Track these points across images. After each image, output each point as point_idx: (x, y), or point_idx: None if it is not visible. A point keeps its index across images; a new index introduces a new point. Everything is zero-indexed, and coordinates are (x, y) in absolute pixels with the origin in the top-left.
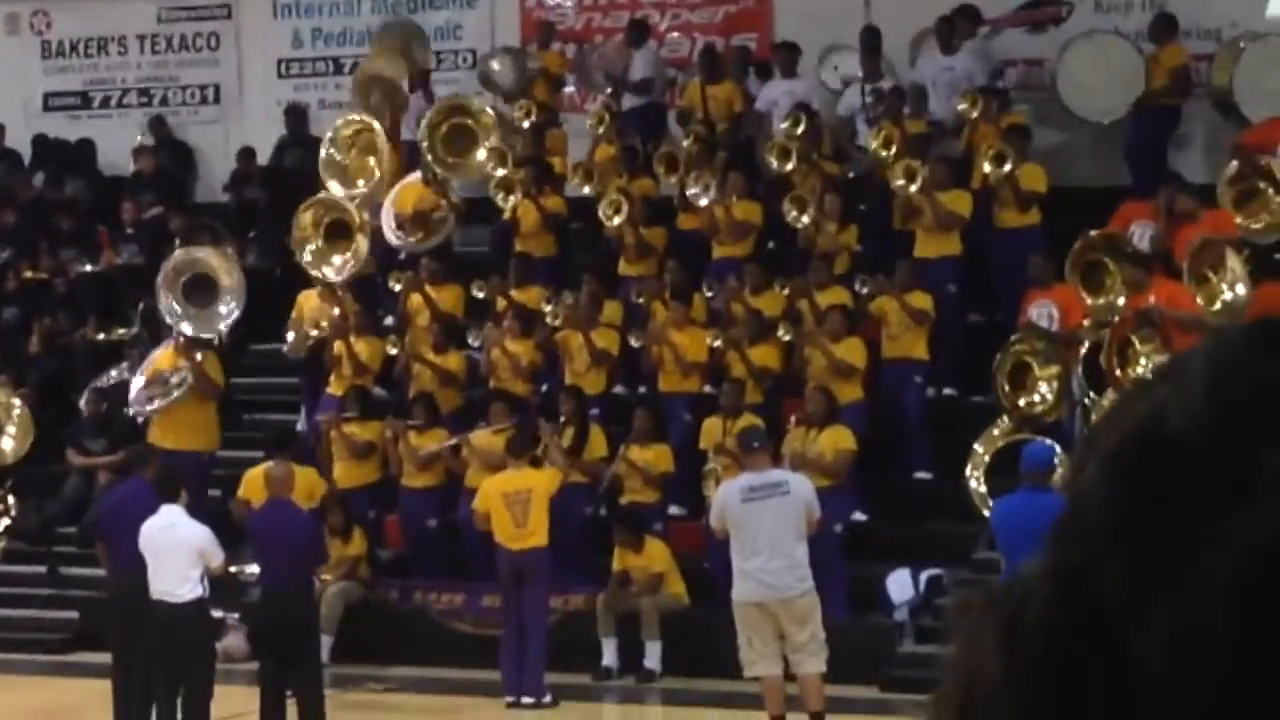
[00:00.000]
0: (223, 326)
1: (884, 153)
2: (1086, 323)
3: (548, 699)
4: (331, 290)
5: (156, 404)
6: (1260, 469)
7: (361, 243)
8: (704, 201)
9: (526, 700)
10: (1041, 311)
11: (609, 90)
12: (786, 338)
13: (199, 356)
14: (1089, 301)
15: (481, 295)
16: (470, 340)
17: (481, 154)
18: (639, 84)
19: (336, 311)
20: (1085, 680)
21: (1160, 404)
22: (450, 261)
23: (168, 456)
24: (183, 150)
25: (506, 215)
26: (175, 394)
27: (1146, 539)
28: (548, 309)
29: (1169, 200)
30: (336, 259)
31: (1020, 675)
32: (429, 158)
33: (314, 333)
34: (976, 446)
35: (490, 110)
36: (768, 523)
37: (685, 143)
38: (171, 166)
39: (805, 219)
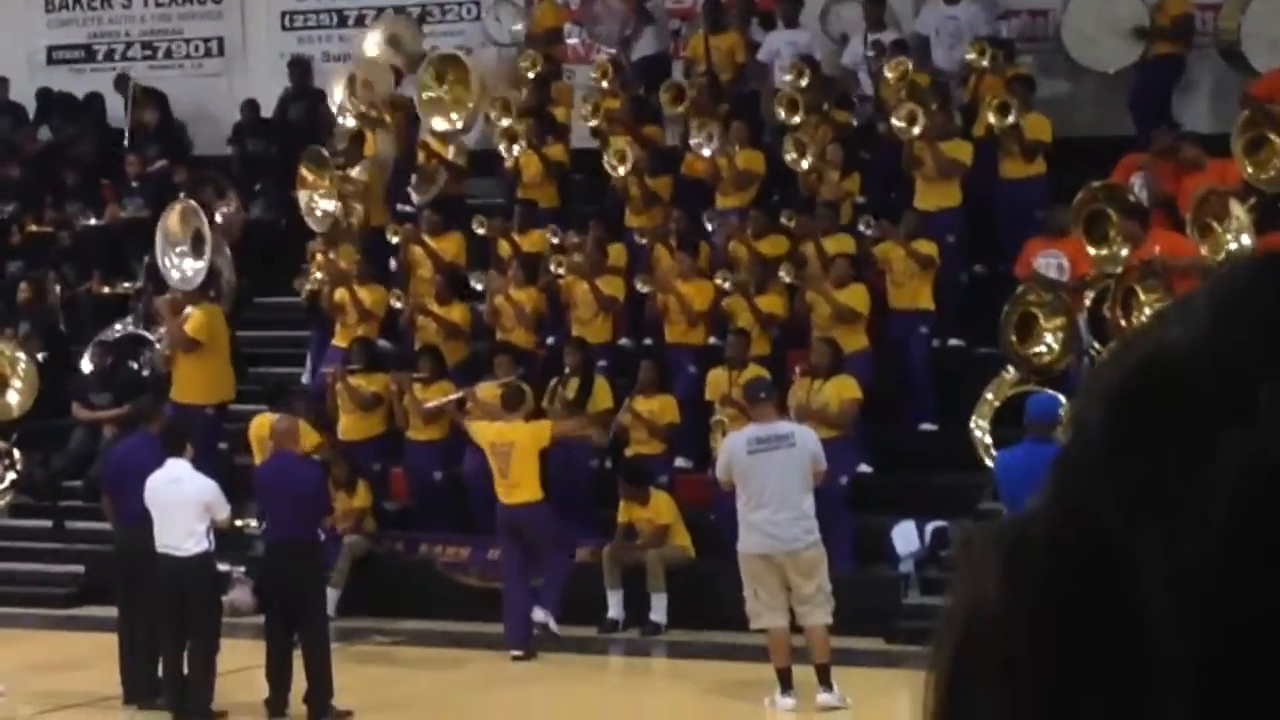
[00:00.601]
0: (189, 280)
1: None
2: (1092, 273)
3: (553, 624)
4: (331, 239)
5: (154, 361)
6: (1260, 401)
7: (334, 194)
8: (707, 151)
9: (538, 615)
10: (1050, 262)
11: (620, 39)
12: (788, 279)
13: (186, 311)
14: (1092, 252)
15: (483, 232)
16: (473, 283)
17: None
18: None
19: (333, 260)
20: (1086, 607)
21: (1163, 338)
22: (456, 214)
23: (181, 410)
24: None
25: (509, 165)
26: (157, 349)
27: (1146, 466)
28: (553, 257)
29: (1169, 148)
30: (328, 205)
31: (1021, 606)
32: (423, 108)
33: (318, 275)
34: (986, 395)
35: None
36: (774, 474)
37: (690, 91)
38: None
39: (805, 163)
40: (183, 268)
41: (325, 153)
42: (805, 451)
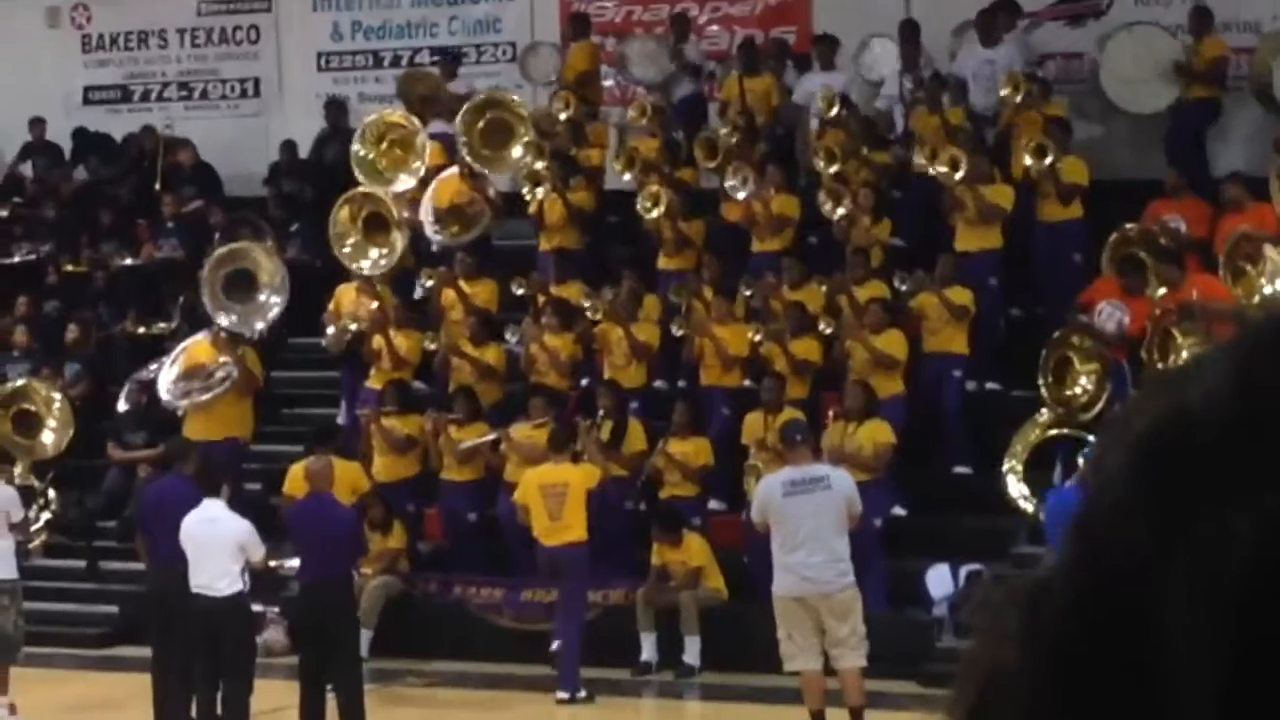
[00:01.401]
0: (264, 321)
1: (927, 158)
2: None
3: (582, 694)
4: (369, 283)
5: (196, 398)
6: None
7: (398, 237)
8: (742, 195)
9: (560, 695)
10: (1113, 313)
11: (651, 84)
12: (828, 330)
13: (240, 351)
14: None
15: (521, 292)
16: (508, 337)
17: (518, 149)
18: (692, 70)
19: (375, 305)
20: (1106, 663)
21: (1185, 392)
22: (487, 256)
23: (204, 448)
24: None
25: (532, 209)
26: (218, 389)
27: (1167, 527)
28: (587, 304)
29: (1178, 188)
30: (373, 252)
31: (1040, 660)
32: (465, 152)
33: (353, 326)
34: (1020, 439)
35: (524, 104)
36: (809, 517)
37: (723, 132)
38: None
39: (841, 210)
40: (234, 312)
41: (376, 191)
42: (841, 494)
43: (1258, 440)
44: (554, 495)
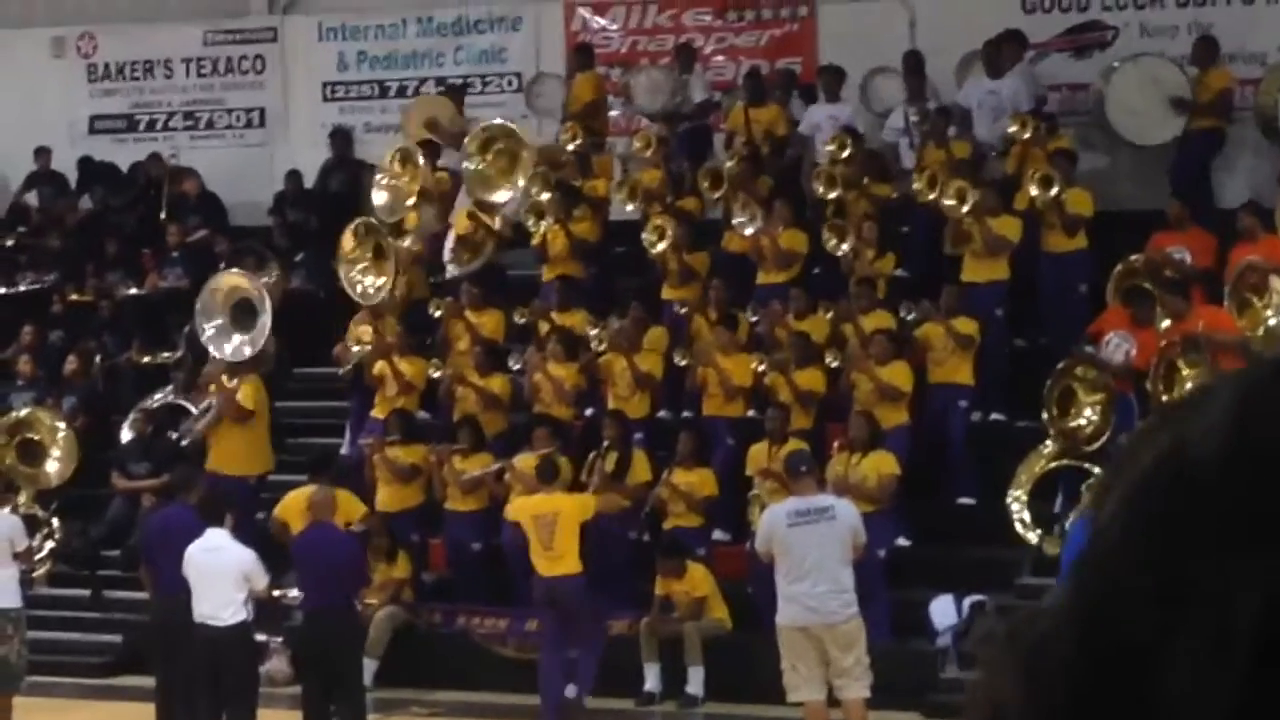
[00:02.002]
0: (246, 352)
1: (925, 186)
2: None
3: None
4: (375, 312)
5: (195, 432)
6: None
7: (388, 267)
8: (749, 231)
9: (569, 691)
10: (1120, 344)
11: (656, 114)
12: (834, 364)
13: (233, 382)
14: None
15: (524, 321)
16: (511, 364)
17: (522, 180)
18: (698, 107)
19: (375, 333)
20: (1107, 707)
21: (1184, 434)
22: (494, 286)
23: (218, 481)
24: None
25: (535, 240)
26: (203, 421)
27: (1171, 573)
28: (592, 333)
29: (1180, 219)
30: (370, 280)
31: (1040, 706)
32: (469, 181)
33: (355, 348)
34: (1024, 470)
35: (528, 136)
36: (813, 547)
37: (729, 164)
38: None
39: (845, 246)
40: (228, 341)
41: (376, 223)
42: (845, 525)
43: (1259, 483)
44: (544, 525)
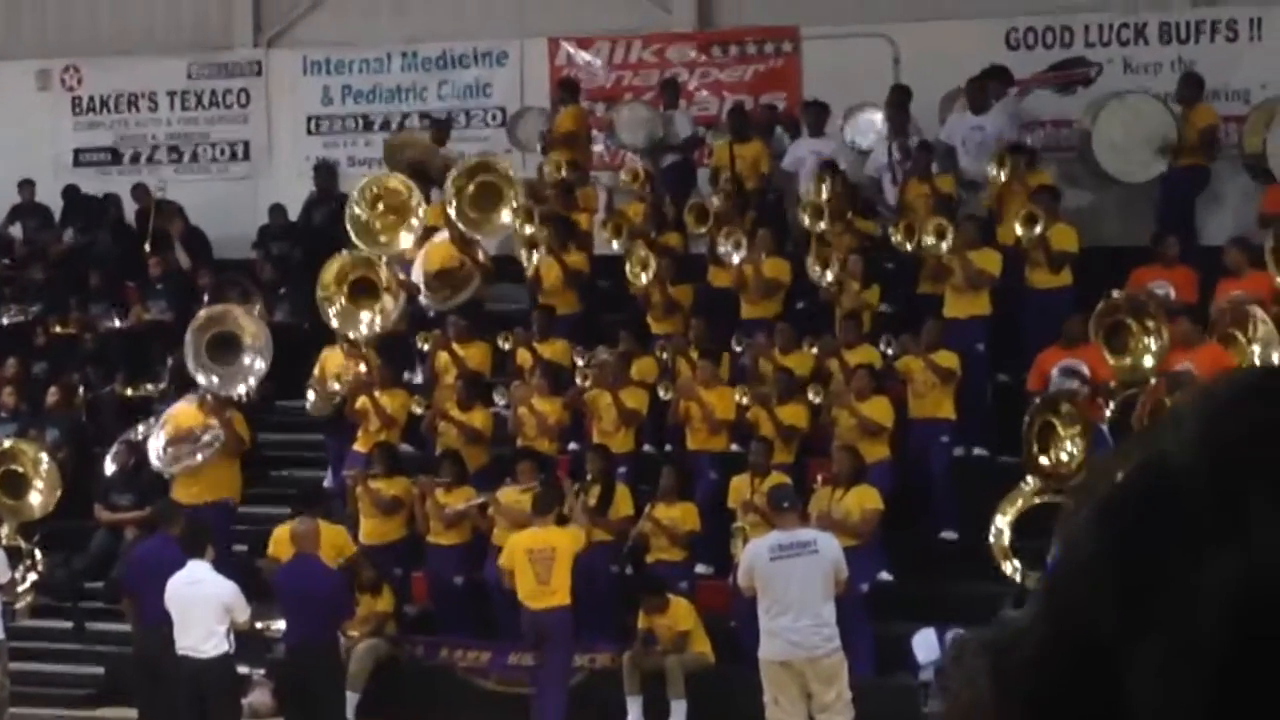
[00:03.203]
0: (248, 383)
1: (904, 237)
2: (1113, 383)
3: None
4: (355, 346)
5: (186, 462)
6: (1251, 512)
7: (388, 300)
8: (735, 259)
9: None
10: (1070, 369)
11: (640, 149)
12: (816, 400)
13: (228, 414)
14: (1112, 362)
15: (507, 347)
16: (497, 399)
17: (506, 213)
18: (685, 142)
19: (362, 367)
20: (1076, 712)
21: (1153, 451)
22: (479, 319)
23: (191, 510)
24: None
25: (529, 272)
26: (205, 453)
27: (1137, 578)
28: (579, 365)
29: (1172, 257)
30: (365, 316)
31: (1009, 707)
32: (454, 216)
33: (335, 386)
34: (1006, 505)
35: (512, 169)
36: (796, 581)
37: (715, 200)
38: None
39: (830, 276)
40: (216, 372)
41: (365, 254)
42: (828, 559)
43: (1221, 493)
44: (542, 559)
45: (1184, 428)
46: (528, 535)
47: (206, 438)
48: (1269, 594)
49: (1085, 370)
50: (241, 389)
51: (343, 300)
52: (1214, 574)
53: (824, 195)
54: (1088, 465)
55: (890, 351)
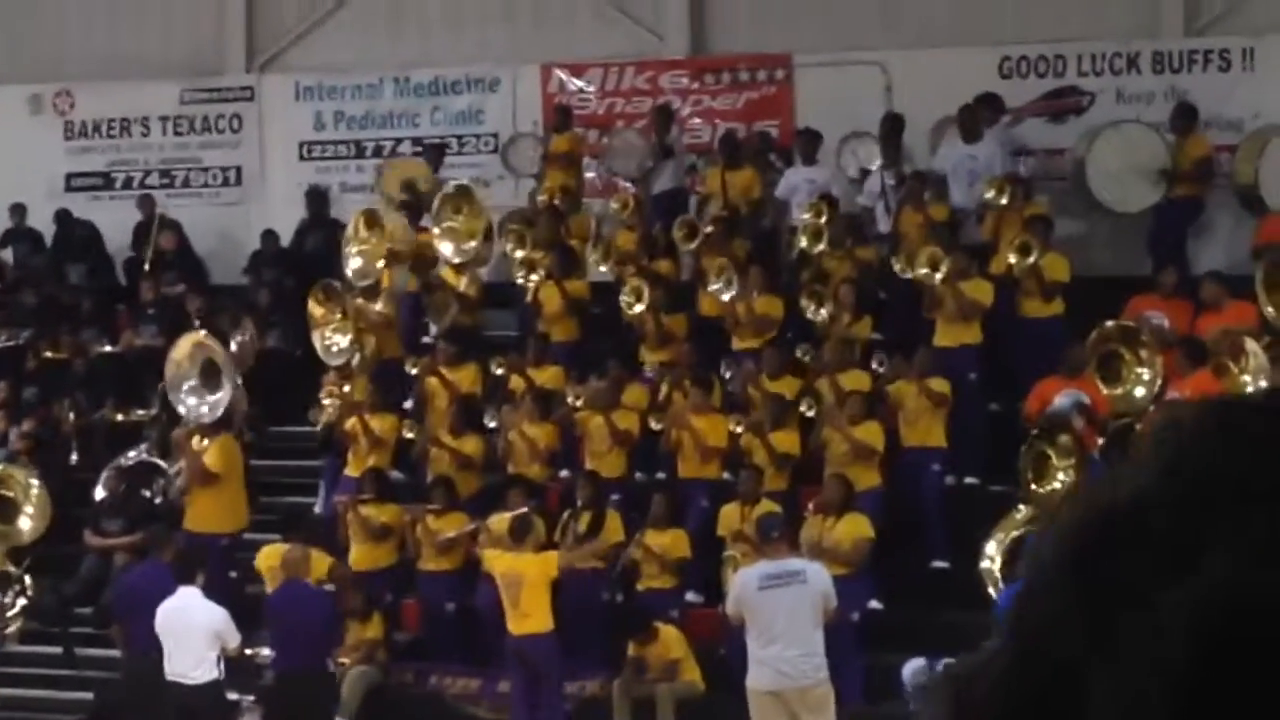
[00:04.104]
0: (210, 412)
1: (905, 263)
2: (1105, 414)
3: None
4: (344, 371)
5: (172, 492)
6: (1205, 542)
7: (350, 327)
8: (726, 297)
9: None
10: (1070, 399)
11: (639, 173)
12: (810, 413)
13: (202, 443)
14: (1105, 391)
15: (500, 372)
16: (487, 421)
17: (480, 241)
18: (667, 151)
19: (346, 391)
20: None
21: (1115, 489)
22: (468, 343)
23: (192, 539)
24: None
25: (529, 299)
26: (175, 486)
27: (1099, 609)
28: (570, 390)
29: (1173, 288)
30: (340, 340)
31: None
32: (439, 241)
33: (326, 402)
34: (997, 533)
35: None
36: (785, 611)
37: (708, 230)
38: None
39: (824, 312)
40: (193, 402)
41: (338, 285)
42: (817, 589)
43: (1181, 519)
44: (511, 585)
45: (1148, 457)
46: (502, 559)
47: (174, 469)
48: (1224, 623)
49: (1085, 399)
50: (214, 415)
51: (334, 325)
52: (1173, 603)
53: (820, 221)
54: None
55: (882, 371)
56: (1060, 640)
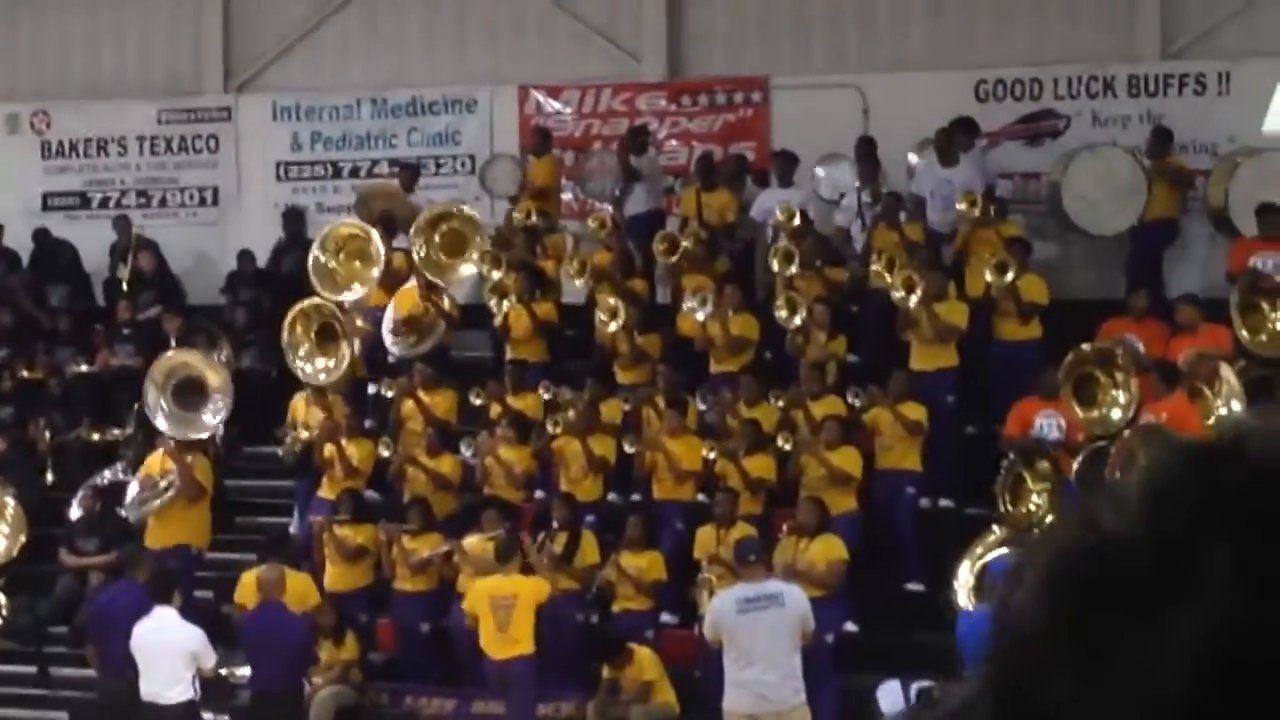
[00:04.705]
0: (208, 429)
1: (884, 267)
2: (1081, 436)
3: None
4: (321, 393)
5: (145, 508)
6: (1203, 575)
7: (345, 348)
8: (700, 316)
9: None
10: (1050, 422)
11: (612, 195)
12: (786, 446)
13: (188, 459)
14: (1080, 414)
15: (480, 402)
16: (463, 451)
17: (468, 267)
18: (646, 187)
19: (325, 414)
20: None
21: (1097, 527)
22: (446, 367)
23: (158, 554)
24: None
25: (498, 321)
26: (162, 498)
27: (1094, 646)
28: (547, 417)
29: (1147, 311)
30: (320, 362)
31: None
32: (420, 263)
33: (304, 435)
34: (971, 555)
35: (476, 216)
36: (763, 634)
37: (685, 244)
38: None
39: (797, 319)
40: (174, 421)
41: (324, 303)
42: (795, 612)
43: (1172, 559)
44: (503, 607)
45: (1128, 505)
46: (491, 583)
47: (164, 484)
48: (1231, 650)
49: (1063, 422)
50: (206, 431)
51: (308, 346)
52: (1174, 636)
53: (793, 225)
54: (1026, 540)
55: (858, 404)
56: (1050, 684)
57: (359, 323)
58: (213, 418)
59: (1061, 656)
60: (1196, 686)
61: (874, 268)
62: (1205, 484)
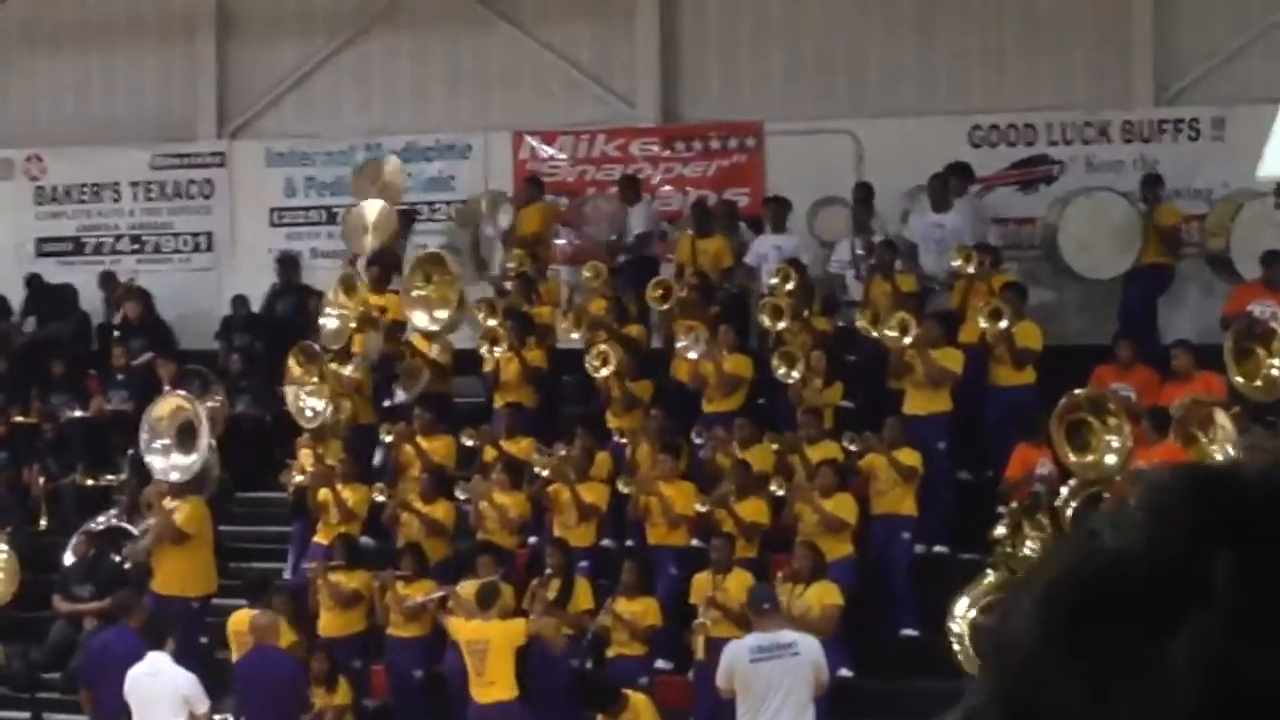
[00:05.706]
0: (185, 471)
1: (869, 323)
2: (1074, 482)
3: None
4: (318, 437)
5: (134, 554)
6: (1212, 582)
7: (326, 391)
8: (693, 354)
9: None
10: (1050, 469)
11: (609, 240)
12: (780, 493)
13: (172, 504)
14: (1074, 459)
15: (472, 444)
16: (459, 494)
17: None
18: (637, 239)
19: (316, 460)
20: None
21: (1100, 549)
22: (443, 412)
23: (160, 602)
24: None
25: (488, 367)
26: (143, 542)
27: (1103, 654)
28: (537, 459)
29: (1130, 360)
30: (313, 404)
31: None
32: (409, 309)
33: (297, 478)
34: (965, 598)
35: (457, 266)
36: (777, 683)
37: (681, 293)
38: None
39: (795, 374)
40: (168, 461)
41: (317, 348)
42: (808, 661)
43: (1178, 570)
44: (476, 652)
45: (1132, 527)
46: (469, 628)
47: (141, 528)
48: (1235, 662)
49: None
50: (180, 476)
51: (310, 387)
52: (1179, 648)
53: (786, 288)
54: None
55: (854, 449)
56: (1060, 694)
57: (350, 369)
58: (196, 461)
59: (1067, 669)
60: (1201, 698)
61: (859, 322)
62: (1206, 500)
